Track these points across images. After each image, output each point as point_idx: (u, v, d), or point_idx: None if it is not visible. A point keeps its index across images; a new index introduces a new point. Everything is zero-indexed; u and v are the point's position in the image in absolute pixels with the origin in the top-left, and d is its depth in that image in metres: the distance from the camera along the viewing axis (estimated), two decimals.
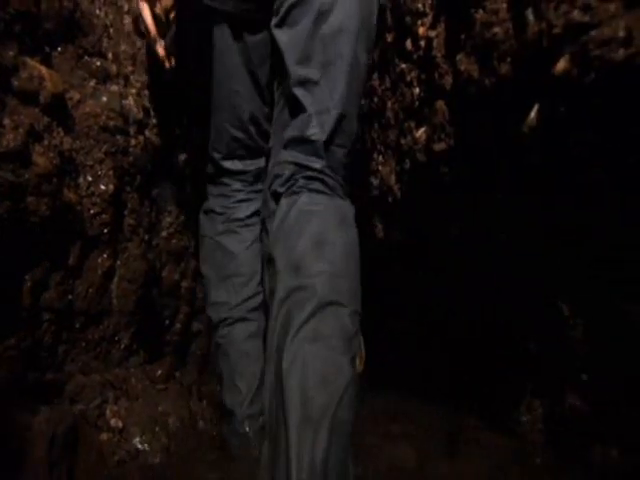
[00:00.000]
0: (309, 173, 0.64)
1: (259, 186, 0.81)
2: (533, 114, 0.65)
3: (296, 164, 0.65)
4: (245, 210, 0.82)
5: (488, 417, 0.89)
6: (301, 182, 0.64)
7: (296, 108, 0.67)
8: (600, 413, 0.69)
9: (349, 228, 0.63)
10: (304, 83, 0.66)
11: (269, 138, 0.77)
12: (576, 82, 0.57)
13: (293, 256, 0.57)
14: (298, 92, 0.66)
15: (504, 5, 0.71)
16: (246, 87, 0.76)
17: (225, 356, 0.80)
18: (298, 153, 0.65)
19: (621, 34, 0.51)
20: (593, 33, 0.54)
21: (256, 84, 0.77)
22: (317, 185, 0.64)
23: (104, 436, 0.88)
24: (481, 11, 0.76)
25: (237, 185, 0.82)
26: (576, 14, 0.57)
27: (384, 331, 1.40)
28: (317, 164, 0.65)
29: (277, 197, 0.65)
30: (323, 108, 0.65)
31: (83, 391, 0.92)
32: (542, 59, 0.63)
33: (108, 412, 0.91)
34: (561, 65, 0.58)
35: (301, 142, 0.65)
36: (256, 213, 0.80)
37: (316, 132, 0.65)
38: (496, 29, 0.72)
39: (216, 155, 0.83)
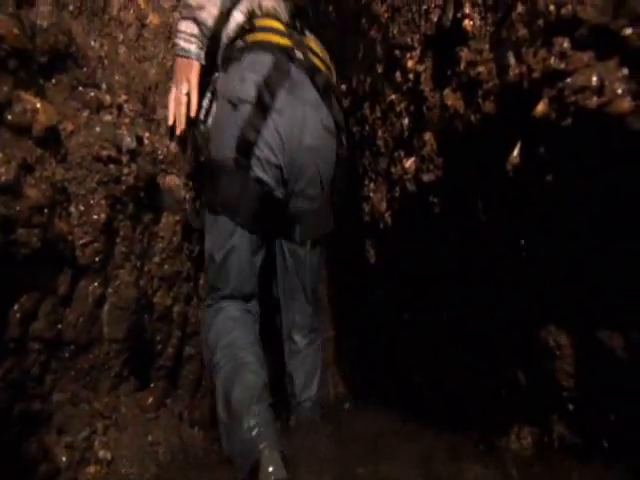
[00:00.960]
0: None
1: (251, 299, 1.03)
2: (516, 152, 0.67)
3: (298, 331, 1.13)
4: (239, 306, 1.01)
5: (480, 445, 0.89)
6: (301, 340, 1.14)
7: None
8: (588, 443, 0.70)
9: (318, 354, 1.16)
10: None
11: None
12: (555, 125, 0.59)
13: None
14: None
15: (487, 46, 0.74)
16: (249, 267, 1.00)
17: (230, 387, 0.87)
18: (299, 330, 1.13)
19: (594, 83, 0.53)
20: (569, 80, 0.57)
21: (253, 265, 1.01)
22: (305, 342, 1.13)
23: (92, 469, 0.87)
24: (466, 50, 0.78)
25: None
26: (553, 61, 0.59)
27: (377, 353, 1.40)
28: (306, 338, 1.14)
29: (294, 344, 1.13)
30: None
31: (71, 421, 0.90)
32: (523, 100, 0.65)
33: (97, 443, 0.89)
34: (540, 108, 0.61)
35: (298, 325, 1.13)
36: (247, 310, 1.01)
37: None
38: (480, 68, 0.74)
39: (220, 293, 1.01)
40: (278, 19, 1.00)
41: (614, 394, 0.65)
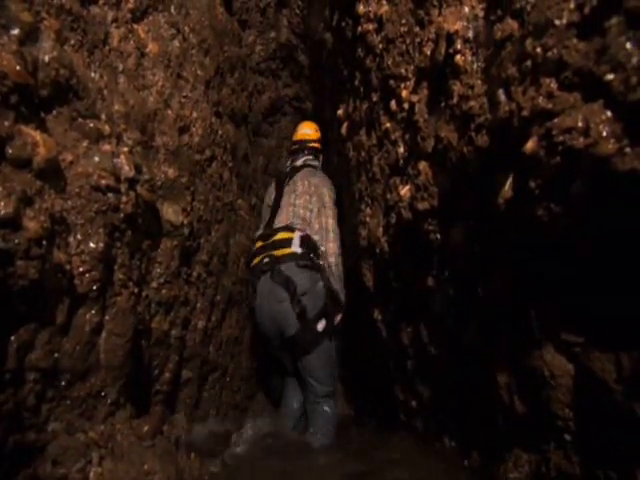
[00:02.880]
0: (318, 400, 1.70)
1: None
2: (507, 186, 0.69)
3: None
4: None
5: (477, 472, 0.88)
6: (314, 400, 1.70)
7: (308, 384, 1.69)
8: (585, 473, 0.70)
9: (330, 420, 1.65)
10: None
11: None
12: (544, 162, 0.61)
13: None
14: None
15: (479, 81, 0.76)
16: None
17: None
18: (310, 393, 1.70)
19: (580, 124, 0.55)
20: (556, 120, 0.58)
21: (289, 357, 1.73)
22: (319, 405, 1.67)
23: None
24: (458, 83, 0.81)
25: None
26: (541, 100, 0.61)
27: (375, 376, 1.39)
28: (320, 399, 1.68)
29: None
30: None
31: (66, 452, 0.89)
32: (514, 136, 0.67)
33: (92, 475, 0.88)
34: (530, 146, 0.62)
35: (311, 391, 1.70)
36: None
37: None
38: (472, 102, 0.76)
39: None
40: (261, 236, 1.75)
41: (609, 424, 0.65)
